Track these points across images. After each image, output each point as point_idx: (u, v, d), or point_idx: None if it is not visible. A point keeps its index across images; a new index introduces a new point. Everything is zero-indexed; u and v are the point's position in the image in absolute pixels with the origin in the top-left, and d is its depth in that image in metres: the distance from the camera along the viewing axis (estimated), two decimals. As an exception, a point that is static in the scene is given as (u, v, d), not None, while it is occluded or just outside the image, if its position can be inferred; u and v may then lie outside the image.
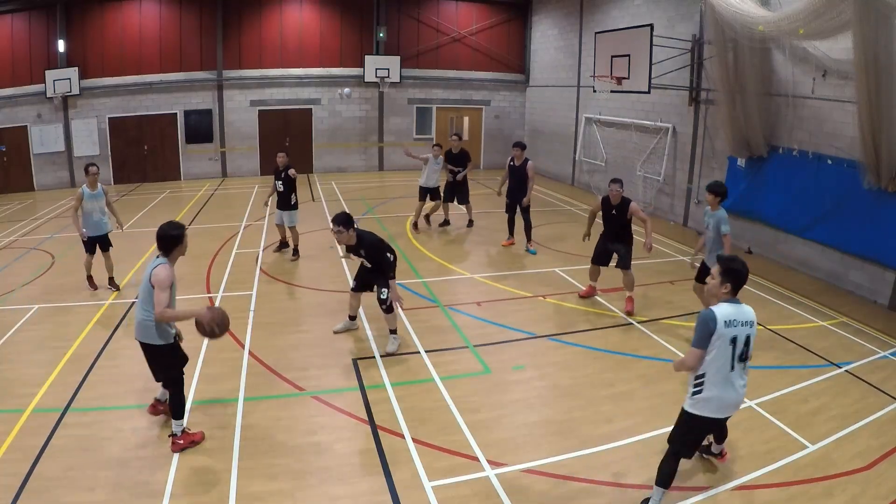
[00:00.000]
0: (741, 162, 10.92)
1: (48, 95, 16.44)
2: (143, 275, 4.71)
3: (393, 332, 6.63)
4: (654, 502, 4.06)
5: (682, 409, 3.96)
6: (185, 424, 4.85)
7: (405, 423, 5.17)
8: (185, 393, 4.95)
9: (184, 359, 4.97)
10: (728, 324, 3.69)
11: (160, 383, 5.05)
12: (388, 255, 6.44)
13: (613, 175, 14.95)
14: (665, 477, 4.01)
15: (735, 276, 3.76)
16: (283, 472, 4.54)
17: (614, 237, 7.85)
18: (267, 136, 18.66)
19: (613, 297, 8.28)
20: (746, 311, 3.80)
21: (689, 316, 7.74)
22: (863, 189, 8.33)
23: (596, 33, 13.02)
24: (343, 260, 9.84)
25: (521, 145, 10.31)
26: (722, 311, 3.73)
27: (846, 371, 6.32)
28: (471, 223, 12.27)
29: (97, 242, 8.38)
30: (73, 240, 11.34)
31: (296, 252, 10.04)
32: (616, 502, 4.28)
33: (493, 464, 4.62)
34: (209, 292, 8.43)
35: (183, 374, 4.90)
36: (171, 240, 4.66)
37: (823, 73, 9.06)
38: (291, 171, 9.65)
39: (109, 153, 17.47)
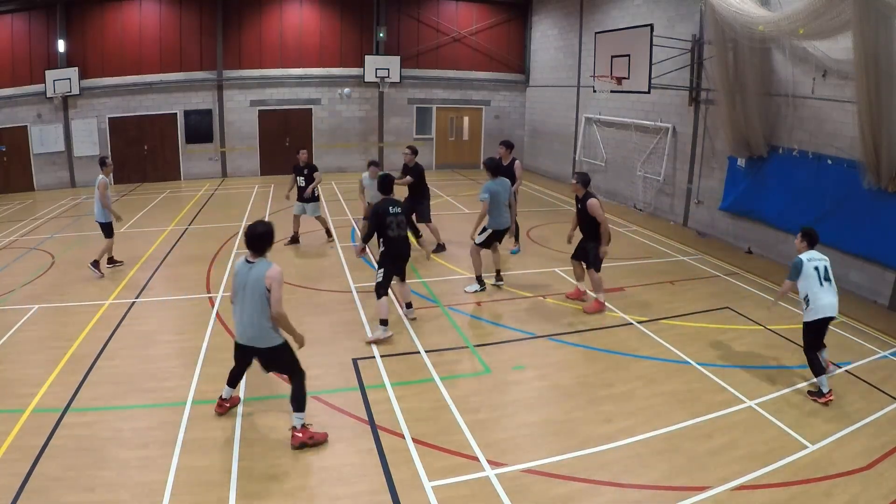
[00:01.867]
0: (741, 162, 10.92)
1: (48, 95, 16.45)
2: (245, 281, 4.68)
3: (382, 322, 6.77)
4: (823, 387, 5.66)
5: (804, 323, 5.80)
6: (304, 419, 4.84)
7: (405, 423, 5.16)
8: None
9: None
10: (810, 260, 5.78)
11: (229, 385, 5.24)
12: (365, 220, 6.94)
13: (614, 175, 15.17)
14: (818, 369, 5.71)
15: (809, 236, 5.95)
16: (283, 472, 4.54)
17: (584, 233, 7.77)
18: (267, 136, 18.67)
19: (613, 297, 8.28)
20: (819, 254, 5.89)
21: (689, 316, 7.74)
22: (863, 189, 8.33)
23: (596, 33, 13.02)
24: (343, 259, 9.85)
25: (507, 144, 10.08)
26: (805, 255, 5.84)
27: (846, 371, 6.32)
28: (440, 247, 10.25)
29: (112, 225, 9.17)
30: (72, 240, 11.39)
31: (329, 234, 10.98)
32: (616, 502, 4.28)
33: (493, 464, 4.62)
34: (209, 292, 8.43)
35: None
36: (265, 237, 4.72)
37: (823, 73, 9.06)
38: (317, 175, 10.39)
39: (109, 153, 17.42)
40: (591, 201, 7.41)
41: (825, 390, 5.64)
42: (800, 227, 6.06)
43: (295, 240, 10.69)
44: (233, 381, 5.23)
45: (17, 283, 8.80)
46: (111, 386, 5.77)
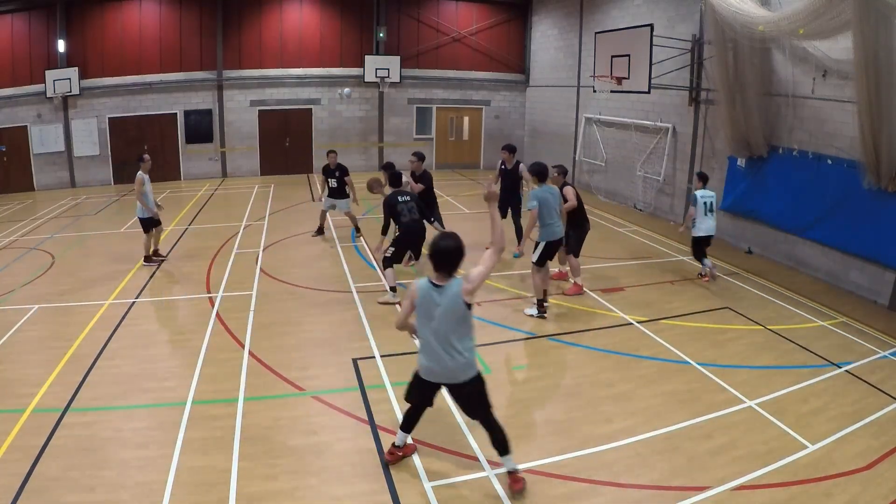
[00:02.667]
0: (741, 162, 10.92)
1: (48, 95, 16.45)
2: (437, 307, 4.00)
3: (391, 289, 7.82)
4: (703, 270, 8.97)
5: (692, 237, 8.84)
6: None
7: (405, 423, 5.16)
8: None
9: None
10: (702, 196, 8.68)
11: (403, 430, 4.54)
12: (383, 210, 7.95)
13: (614, 175, 15.16)
14: (701, 262, 8.97)
15: (703, 178, 8.97)
16: (283, 472, 4.53)
17: (567, 221, 8.18)
18: (267, 136, 18.65)
19: (614, 297, 8.29)
20: (709, 191, 8.81)
21: (689, 316, 7.74)
22: (863, 189, 8.32)
23: (596, 33, 13.01)
24: (344, 259, 9.85)
25: (510, 148, 10.13)
26: (699, 192, 8.69)
27: (846, 371, 6.31)
28: None
29: (153, 220, 9.47)
30: (72, 240, 11.41)
31: (358, 230, 11.38)
32: (616, 502, 4.28)
33: (493, 464, 4.61)
34: (209, 292, 8.43)
35: None
36: (457, 254, 4.05)
37: (823, 73, 9.06)
38: (349, 179, 11.00)
39: (109, 153, 17.47)
40: (567, 188, 8.09)
41: (703, 273, 8.94)
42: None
43: (321, 231, 11.40)
44: (408, 425, 4.51)
45: (17, 283, 8.80)
46: (111, 386, 5.77)
